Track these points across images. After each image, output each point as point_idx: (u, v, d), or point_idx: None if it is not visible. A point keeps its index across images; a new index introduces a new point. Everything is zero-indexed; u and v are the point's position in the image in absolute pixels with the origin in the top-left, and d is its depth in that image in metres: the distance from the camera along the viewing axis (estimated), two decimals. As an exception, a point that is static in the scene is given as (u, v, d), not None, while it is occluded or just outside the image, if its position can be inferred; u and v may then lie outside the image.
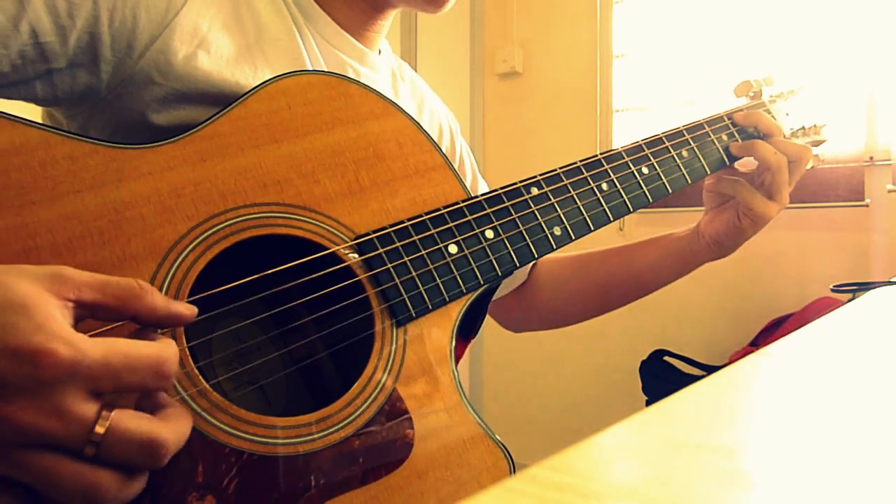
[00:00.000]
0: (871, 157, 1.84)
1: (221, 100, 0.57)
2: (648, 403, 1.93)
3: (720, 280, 2.03)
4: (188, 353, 0.45)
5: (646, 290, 0.82)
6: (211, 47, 0.58)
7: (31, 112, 0.53)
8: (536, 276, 0.87)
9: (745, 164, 0.78)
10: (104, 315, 0.37)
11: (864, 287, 0.87)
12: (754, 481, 0.20)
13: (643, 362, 1.94)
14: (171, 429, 0.36)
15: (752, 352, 0.49)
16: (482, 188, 0.90)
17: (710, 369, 1.89)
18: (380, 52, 0.75)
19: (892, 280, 0.88)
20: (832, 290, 0.96)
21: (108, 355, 0.34)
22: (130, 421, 0.35)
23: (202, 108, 0.56)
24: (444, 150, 0.63)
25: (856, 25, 1.84)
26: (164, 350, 0.36)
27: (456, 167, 0.74)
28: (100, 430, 0.33)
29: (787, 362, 0.38)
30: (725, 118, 0.78)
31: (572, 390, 2.28)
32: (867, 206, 1.84)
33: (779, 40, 1.94)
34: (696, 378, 0.65)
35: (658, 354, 1.93)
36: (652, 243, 0.81)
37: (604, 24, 2.27)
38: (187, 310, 0.40)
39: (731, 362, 0.57)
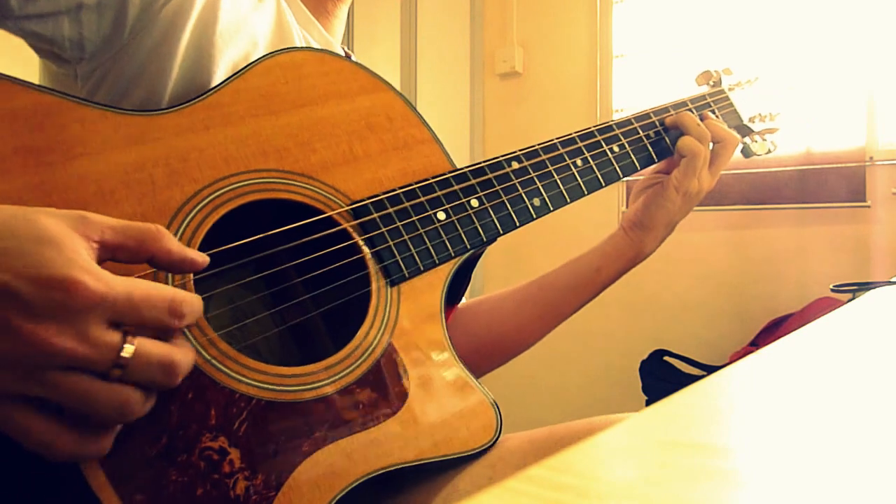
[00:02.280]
0: (872, 157, 1.84)
1: (235, 50, 0.60)
2: (648, 403, 1.93)
3: (720, 280, 2.03)
4: None
5: (566, 307, 0.78)
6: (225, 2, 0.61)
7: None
8: (476, 305, 0.81)
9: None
10: (123, 256, 0.40)
11: (864, 287, 0.87)
12: (754, 481, 0.20)
13: (643, 362, 1.94)
14: (182, 352, 0.39)
15: (752, 352, 0.49)
16: None
17: (710, 369, 1.89)
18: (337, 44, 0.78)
19: (892, 280, 0.88)
20: (832, 290, 0.97)
21: (130, 290, 0.37)
22: (152, 346, 0.38)
23: (211, 59, 0.59)
24: None
25: (855, 25, 1.84)
26: (181, 291, 0.39)
27: None
28: (126, 354, 0.36)
29: (787, 362, 0.38)
30: (689, 103, 0.82)
31: (572, 390, 2.28)
32: (868, 206, 1.84)
33: (779, 40, 1.94)
34: (696, 378, 0.65)
35: (658, 354, 1.93)
36: (579, 259, 0.78)
37: (604, 24, 2.27)
38: (200, 257, 0.43)
39: (731, 362, 0.57)
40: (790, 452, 0.23)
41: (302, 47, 0.66)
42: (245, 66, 0.57)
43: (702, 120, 0.78)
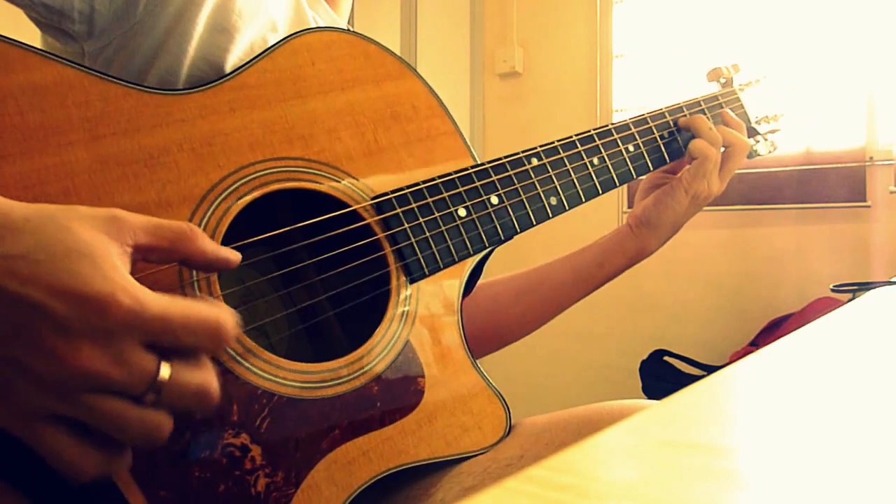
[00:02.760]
0: (872, 157, 1.84)
1: (253, 31, 0.59)
2: (648, 403, 1.92)
3: (720, 280, 2.03)
4: (223, 300, 0.47)
5: (566, 299, 0.79)
6: None
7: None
8: (476, 292, 0.81)
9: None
10: (157, 257, 0.39)
11: (864, 287, 0.87)
12: (753, 481, 0.20)
13: (643, 362, 1.94)
14: (217, 380, 0.38)
15: (751, 352, 0.49)
16: None
17: (710, 369, 1.89)
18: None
19: (892, 280, 0.88)
20: (832, 290, 0.97)
21: (167, 311, 0.35)
22: (188, 372, 0.36)
23: (227, 40, 0.57)
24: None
25: (855, 25, 1.84)
26: (223, 315, 0.37)
27: None
28: (162, 378, 0.35)
29: (787, 362, 0.38)
30: (701, 102, 0.82)
31: (572, 390, 2.28)
32: (868, 206, 1.84)
33: (779, 40, 1.94)
34: (696, 378, 0.65)
35: (658, 354, 1.93)
36: (582, 252, 0.79)
37: (604, 24, 2.27)
38: (234, 255, 0.41)
39: (731, 362, 0.57)
40: (790, 452, 0.23)
41: (330, 27, 0.65)
42: (272, 46, 0.55)
43: (715, 122, 0.79)
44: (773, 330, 1.84)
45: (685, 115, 0.79)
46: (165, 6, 0.55)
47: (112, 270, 0.34)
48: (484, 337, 0.79)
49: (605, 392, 2.20)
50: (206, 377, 0.37)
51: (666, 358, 1.92)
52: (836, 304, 1.64)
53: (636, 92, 2.21)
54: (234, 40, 0.58)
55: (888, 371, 0.36)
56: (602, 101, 2.26)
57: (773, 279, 1.95)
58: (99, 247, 0.35)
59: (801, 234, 1.93)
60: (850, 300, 1.07)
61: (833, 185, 1.90)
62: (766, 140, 0.89)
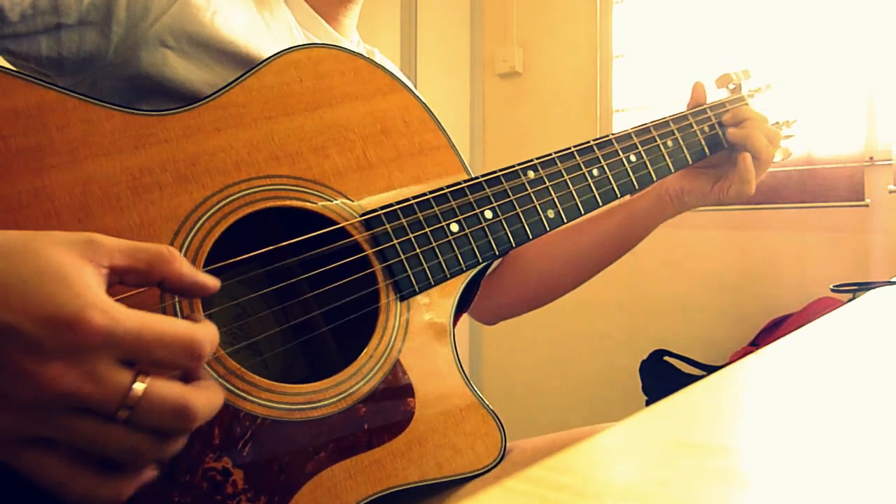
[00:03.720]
0: (871, 158, 1.84)
1: (234, 63, 0.58)
2: (648, 403, 1.92)
3: (720, 280, 2.03)
4: None
5: (612, 258, 0.84)
6: (225, 14, 0.59)
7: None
8: (510, 260, 0.87)
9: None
10: (133, 280, 0.38)
11: (864, 287, 0.87)
12: (753, 481, 0.20)
13: (643, 362, 1.94)
14: (202, 396, 0.37)
15: (752, 352, 0.49)
16: None
17: (710, 369, 1.89)
18: (357, 42, 0.77)
19: (892, 280, 0.88)
20: (832, 290, 0.97)
21: (141, 327, 0.35)
22: (163, 387, 0.35)
23: (214, 69, 0.58)
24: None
25: (856, 25, 1.84)
26: (200, 330, 0.37)
27: None
28: (134, 395, 0.34)
29: (787, 362, 0.38)
30: (708, 110, 0.81)
31: (572, 390, 2.28)
32: (867, 206, 1.84)
33: (779, 40, 1.94)
34: (696, 378, 0.65)
35: (658, 354, 1.93)
36: (616, 210, 0.83)
37: (604, 24, 2.27)
38: (211, 280, 0.41)
39: (731, 362, 0.57)
40: (790, 452, 0.23)
41: (318, 43, 0.65)
42: (259, 63, 0.55)
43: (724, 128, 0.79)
44: (773, 330, 1.84)
45: (689, 123, 0.78)
46: (138, 50, 0.55)
47: (84, 289, 0.34)
48: (537, 299, 0.86)
49: (605, 392, 2.20)
50: (183, 393, 0.36)
51: (666, 358, 1.92)
52: (836, 304, 1.64)
53: (636, 92, 2.21)
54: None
55: (888, 371, 0.36)
56: (602, 101, 2.26)
57: (773, 279, 1.95)
58: (72, 269, 0.34)
59: (800, 234, 1.93)
60: (850, 300, 1.06)
61: (833, 185, 1.89)
62: (780, 146, 0.88)
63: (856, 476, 0.21)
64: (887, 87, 1.81)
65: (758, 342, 1.85)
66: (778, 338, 0.43)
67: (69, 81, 0.57)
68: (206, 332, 0.37)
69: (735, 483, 0.20)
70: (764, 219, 1.99)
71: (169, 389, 0.36)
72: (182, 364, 0.36)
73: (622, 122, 2.23)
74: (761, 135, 0.77)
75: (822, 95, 1.88)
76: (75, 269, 0.34)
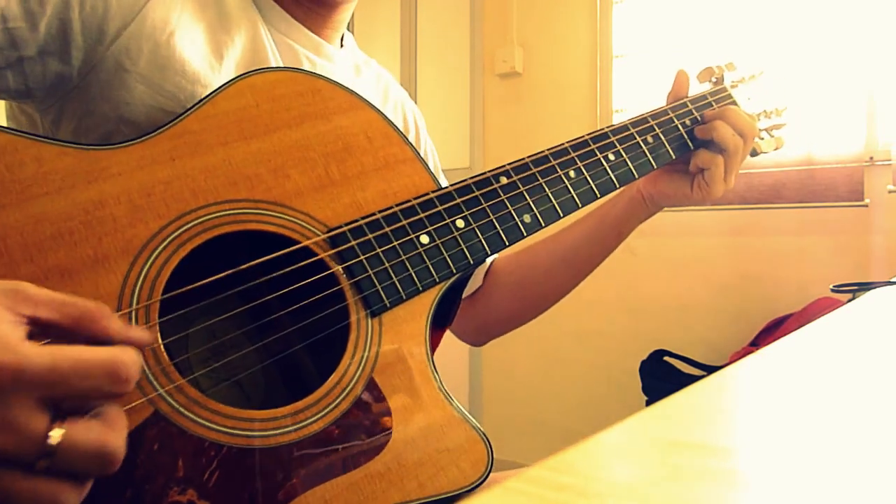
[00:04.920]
0: (871, 158, 1.84)
1: (192, 85, 0.58)
2: (648, 403, 1.93)
3: (720, 280, 2.03)
4: (163, 349, 0.45)
5: (589, 265, 0.83)
6: (182, 35, 0.58)
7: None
8: (491, 276, 0.86)
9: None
10: (57, 334, 0.37)
11: (864, 287, 0.87)
12: (753, 481, 0.20)
13: (643, 362, 1.94)
14: (118, 435, 0.36)
15: (752, 352, 0.49)
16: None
17: (710, 369, 1.89)
18: (342, 45, 0.75)
19: (892, 280, 0.88)
20: (832, 291, 0.97)
21: (55, 360, 0.33)
22: (82, 432, 0.34)
23: (170, 92, 0.57)
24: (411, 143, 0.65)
25: (856, 26, 1.84)
26: (120, 354, 0.35)
27: None
28: (52, 442, 0.33)
29: (787, 362, 0.38)
30: (688, 104, 0.79)
31: (572, 390, 2.28)
32: (867, 206, 1.84)
33: (779, 40, 1.94)
34: (696, 378, 0.65)
35: (658, 354, 1.93)
36: (589, 215, 0.82)
37: (604, 24, 2.27)
38: (145, 335, 0.39)
39: (731, 362, 0.57)
40: (790, 452, 0.23)
41: (275, 67, 0.63)
42: (214, 90, 0.54)
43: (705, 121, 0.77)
44: (773, 330, 1.85)
45: (670, 118, 0.76)
46: (99, 71, 0.55)
47: None
48: (522, 313, 0.85)
49: (605, 392, 2.20)
50: (103, 436, 0.34)
51: (666, 358, 1.93)
52: (836, 304, 1.64)
53: (636, 92, 2.21)
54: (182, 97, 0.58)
55: (888, 371, 0.36)
56: (602, 101, 2.26)
57: (773, 279, 1.95)
58: None
59: (800, 234, 1.93)
60: (850, 300, 1.07)
61: (832, 185, 1.90)
62: (770, 136, 0.85)
63: (855, 476, 0.21)
64: (887, 87, 1.81)
65: (758, 342, 1.85)
66: (778, 338, 0.44)
67: (42, 107, 0.58)
68: (127, 355, 0.36)
69: (735, 483, 0.20)
70: (764, 219, 1.99)
71: (87, 434, 0.34)
72: (108, 391, 0.35)
73: (622, 122, 2.23)
74: (726, 126, 0.74)
75: (823, 95, 1.88)
76: None
